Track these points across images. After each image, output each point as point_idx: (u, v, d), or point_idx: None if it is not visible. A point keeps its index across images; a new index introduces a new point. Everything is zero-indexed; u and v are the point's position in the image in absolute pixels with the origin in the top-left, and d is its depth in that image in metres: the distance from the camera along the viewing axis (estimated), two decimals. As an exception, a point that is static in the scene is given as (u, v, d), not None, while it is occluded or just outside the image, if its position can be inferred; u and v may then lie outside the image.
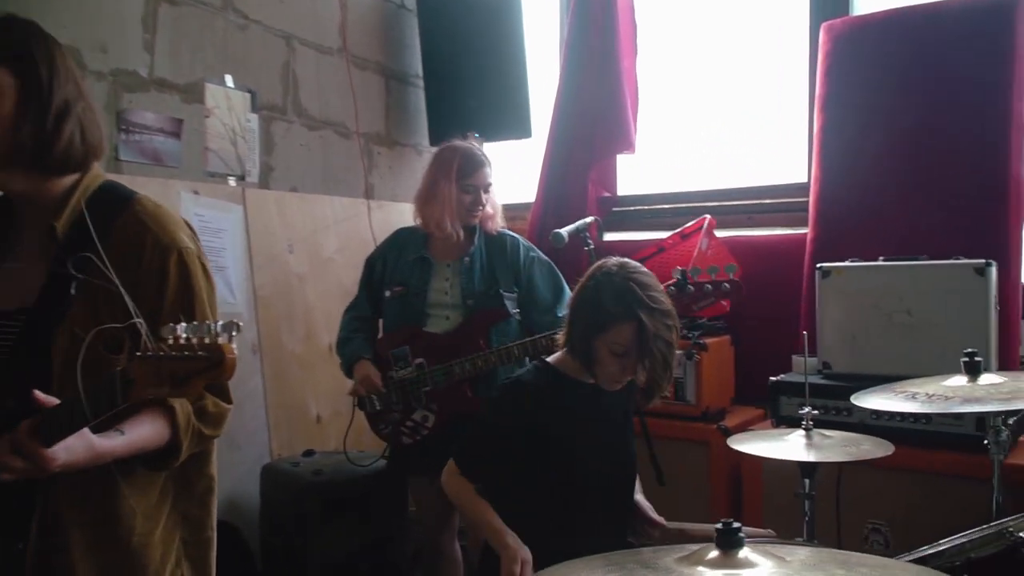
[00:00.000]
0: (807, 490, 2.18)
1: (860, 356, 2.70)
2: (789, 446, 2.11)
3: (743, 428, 2.96)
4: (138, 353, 1.16)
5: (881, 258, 2.72)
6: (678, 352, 2.94)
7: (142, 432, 1.40)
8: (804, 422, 2.17)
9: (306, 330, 3.47)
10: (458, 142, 2.86)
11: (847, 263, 2.75)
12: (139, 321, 1.22)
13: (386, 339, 2.86)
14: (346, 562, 2.84)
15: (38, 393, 1.28)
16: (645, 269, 1.95)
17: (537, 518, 2.00)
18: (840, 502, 2.38)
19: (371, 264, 2.96)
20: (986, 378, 1.82)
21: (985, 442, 1.88)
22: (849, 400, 2.61)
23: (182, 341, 1.14)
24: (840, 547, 2.40)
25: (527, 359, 2.71)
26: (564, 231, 2.72)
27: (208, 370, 1.12)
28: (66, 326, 1.40)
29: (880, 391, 1.97)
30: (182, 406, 1.44)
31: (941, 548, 1.43)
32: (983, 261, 2.50)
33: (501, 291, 2.74)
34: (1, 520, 1.40)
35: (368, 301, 2.93)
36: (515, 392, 2.01)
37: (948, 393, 1.75)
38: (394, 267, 2.87)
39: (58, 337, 1.40)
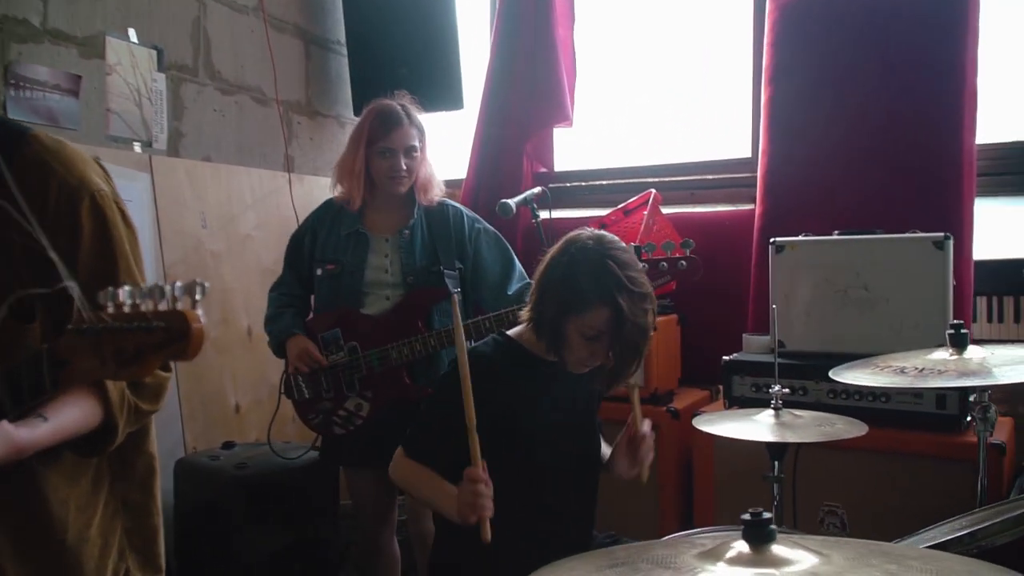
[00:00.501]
0: (776, 472, 2.07)
1: (816, 333, 2.61)
2: (760, 427, 1.99)
3: (692, 410, 2.85)
4: (70, 326, 0.91)
5: (836, 232, 2.64)
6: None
7: (70, 415, 1.17)
8: (773, 401, 2.06)
9: (222, 313, 3.18)
10: (378, 101, 2.57)
11: (801, 237, 2.66)
12: (71, 284, 0.93)
13: (315, 321, 2.61)
14: (271, 561, 2.59)
15: None
16: (623, 244, 1.77)
17: (497, 502, 1.82)
18: (796, 484, 2.30)
19: (298, 240, 2.69)
20: (972, 351, 1.73)
21: (968, 419, 1.80)
22: (806, 380, 2.56)
23: (127, 309, 0.88)
24: (796, 530, 2.33)
25: (470, 342, 2.51)
26: (512, 201, 2.54)
27: (168, 344, 0.86)
28: None
29: (860, 366, 1.87)
30: (114, 381, 1.21)
31: (963, 533, 1.32)
32: (942, 235, 2.44)
33: (442, 268, 2.52)
34: None
35: (296, 280, 2.67)
36: (471, 366, 1.82)
37: (939, 367, 1.65)
38: (325, 242, 2.61)
39: None
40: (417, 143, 2.53)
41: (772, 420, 2.01)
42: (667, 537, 1.34)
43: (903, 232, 2.56)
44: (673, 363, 3.08)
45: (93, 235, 1.23)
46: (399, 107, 2.53)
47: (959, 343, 1.73)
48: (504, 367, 1.81)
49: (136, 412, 1.28)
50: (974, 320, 2.83)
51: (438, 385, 1.87)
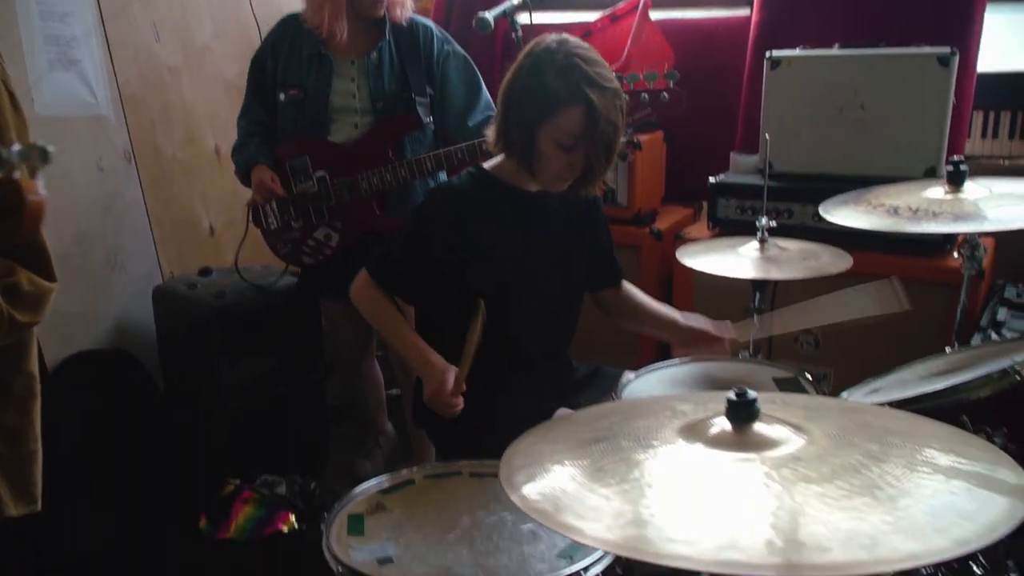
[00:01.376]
0: (756, 304, 2.06)
1: (806, 154, 2.53)
2: (745, 261, 1.96)
3: (676, 230, 2.82)
4: None
5: (836, 45, 2.48)
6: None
7: None
8: (760, 233, 2.01)
9: (186, 132, 3.01)
10: None
11: (799, 51, 2.50)
12: None
13: (283, 149, 2.47)
14: (255, 385, 2.63)
15: None
16: (587, 44, 1.63)
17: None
18: (775, 308, 2.30)
19: (259, 63, 2.49)
20: (970, 188, 1.66)
21: (956, 255, 1.76)
22: (791, 203, 2.51)
23: None
24: (770, 353, 2.36)
25: (443, 173, 2.41)
26: (489, 14, 2.32)
27: None
28: None
29: (850, 200, 1.80)
30: None
31: (938, 388, 1.32)
32: (947, 50, 2.29)
33: (413, 95, 2.36)
34: None
35: (261, 106, 2.50)
36: (444, 198, 1.74)
37: (934, 207, 1.59)
38: (287, 65, 2.41)
39: None
40: None
41: (757, 254, 1.97)
42: (650, 397, 1.33)
43: (909, 45, 2.40)
44: (657, 181, 3.00)
45: None
46: None
47: (956, 180, 1.66)
48: (479, 200, 1.73)
49: (11, 324, 1.17)
50: (968, 135, 2.74)
51: (414, 214, 1.80)
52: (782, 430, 0.99)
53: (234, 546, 2.08)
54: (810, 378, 1.77)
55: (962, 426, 1.23)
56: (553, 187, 1.70)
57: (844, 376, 2.43)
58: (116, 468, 2.39)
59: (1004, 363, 1.30)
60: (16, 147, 0.76)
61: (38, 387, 1.34)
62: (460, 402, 1.62)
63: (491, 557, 1.25)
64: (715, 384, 1.84)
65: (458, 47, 2.45)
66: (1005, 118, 2.70)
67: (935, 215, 1.55)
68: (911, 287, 2.26)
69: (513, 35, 2.42)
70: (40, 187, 0.76)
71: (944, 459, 0.92)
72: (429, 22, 2.45)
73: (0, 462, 1.28)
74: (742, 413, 0.98)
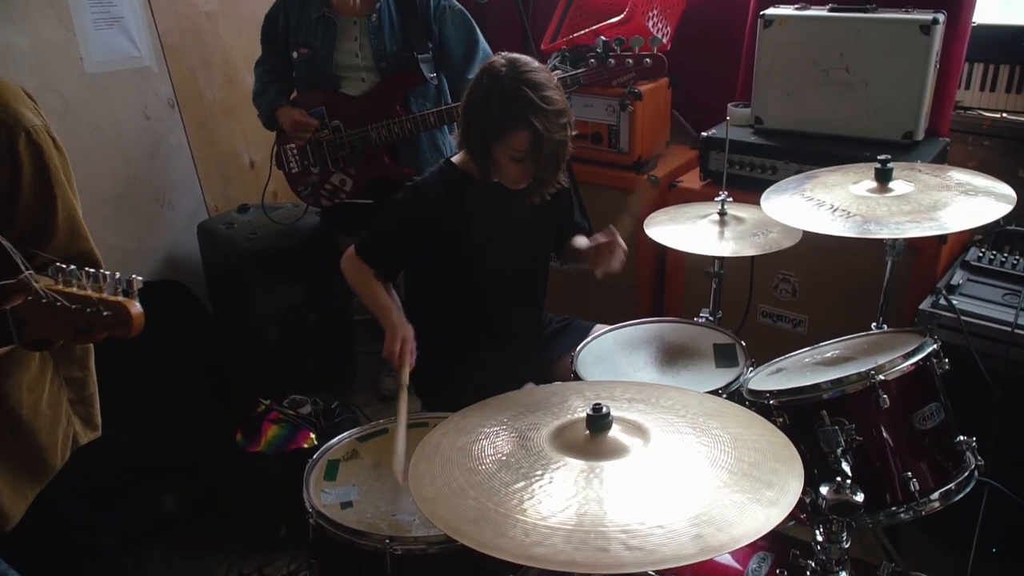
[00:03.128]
0: (716, 269, 2.26)
1: (793, 112, 2.63)
2: (701, 234, 2.14)
3: (674, 176, 2.98)
4: (30, 298, 1.12)
5: (828, 7, 2.54)
6: (612, 101, 2.87)
7: None
8: (720, 208, 2.18)
9: (225, 74, 3.26)
10: None
11: (792, 11, 2.57)
12: (11, 250, 1.16)
13: (302, 98, 2.72)
14: (287, 312, 2.98)
15: None
16: (536, 64, 1.82)
17: (452, 314, 2.10)
18: (755, 260, 2.47)
19: (272, 20, 2.71)
20: (897, 186, 1.81)
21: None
22: (776, 160, 2.64)
23: (75, 289, 1.11)
24: (749, 299, 2.55)
25: (445, 127, 2.62)
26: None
27: (113, 327, 1.12)
28: None
29: (790, 188, 1.97)
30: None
31: (805, 384, 1.54)
32: (930, 17, 2.34)
33: (415, 53, 2.54)
34: None
35: (276, 58, 2.73)
36: (416, 196, 1.99)
37: (852, 208, 1.75)
38: (297, 25, 2.63)
39: None
40: None
41: (716, 228, 2.15)
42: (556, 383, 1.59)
43: (902, 6, 2.45)
44: (661, 126, 3.13)
45: (33, 169, 1.35)
46: None
47: (883, 178, 1.81)
48: (448, 195, 1.97)
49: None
50: (967, 87, 2.78)
51: (391, 207, 2.03)
52: (629, 439, 1.25)
53: (263, 459, 2.47)
54: (744, 345, 1.99)
55: (820, 420, 1.46)
56: (512, 187, 1.93)
57: (818, 322, 2.65)
58: (170, 387, 2.79)
59: (870, 363, 1.51)
60: (117, 274, 1.12)
61: (92, 346, 1.66)
62: (409, 362, 1.88)
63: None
64: (663, 345, 2.08)
65: (456, 2, 2.60)
66: (1004, 71, 2.72)
67: (849, 216, 1.71)
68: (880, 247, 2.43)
69: (512, -1, 2.56)
70: (137, 305, 1.13)
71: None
72: None
73: (72, 405, 1.65)
74: (598, 423, 1.24)
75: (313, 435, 2.53)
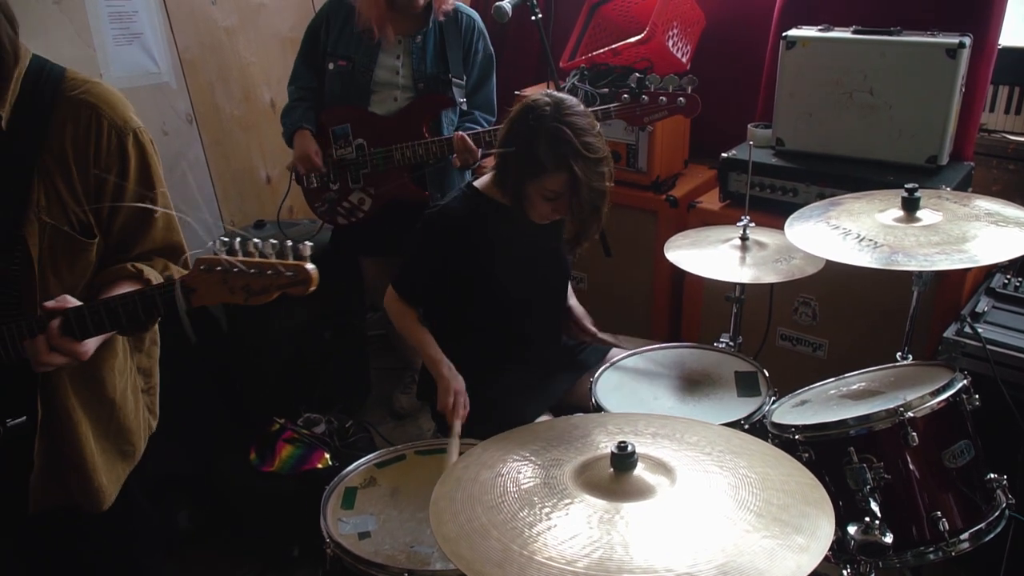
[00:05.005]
0: (737, 295, 2.24)
1: (815, 134, 2.60)
2: (722, 259, 2.12)
3: (693, 196, 2.95)
4: (219, 268, 1.27)
5: (852, 29, 2.51)
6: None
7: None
8: (742, 232, 2.16)
9: (243, 90, 3.26)
10: None
11: (815, 33, 2.54)
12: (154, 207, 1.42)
13: (328, 114, 2.71)
14: (302, 329, 2.97)
15: (49, 304, 1.34)
16: (581, 108, 1.81)
17: (475, 333, 2.08)
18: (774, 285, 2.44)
19: (314, 31, 2.72)
20: (924, 215, 1.78)
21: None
22: (797, 182, 2.61)
23: (257, 257, 1.27)
24: (768, 322, 2.51)
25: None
26: (506, 3, 2.46)
27: (292, 285, 1.27)
28: (34, 214, 1.41)
29: (814, 215, 1.94)
30: (154, 276, 1.49)
31: (831, 420, 1.51)
32: (956, 41, 2.32)
33: (451, 76, 2.56)
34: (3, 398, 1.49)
35: (310, 74, 2.74)
36: (439, 223, 1.97)
37: (879, 238, 1.72)
38: (338, 37, 2.64)
39: (28, 226, 1.40)
40: None
41: (738, 253, 2.13)
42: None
43: (929, 29, 2.43)
44: (680, 146, 3.11)
45: (138, 164, 1.46)
46: None
47: (910, 207, 1.78)
48: (473, 222, 1.96)
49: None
50: (991, 110, 2.75)
51: (417, 235, 2.02)
52: (656, 479, 1.22)
53: (277, 478, 2.45)
54: (767, 375, 1.97)
55: (847, 457, 1.43)
56: (539, 221, 1.93)
57: (839, 347, 2.62)
58: (184, 404, 2.78)
59: (898, 399, 1.49)
60: (289, 243, 1.28)
61: (158, 336, 1.74)
62: (462, 415, 1.88)
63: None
64: (684, 371, 2.06)
65: (490, 46, 2.67)
66: (1029, 94, 2.70)
67: (876, 247, 1.68)
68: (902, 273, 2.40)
69: (532, 19, 2.55)
70: (312, 265, 1.29)
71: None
72: (475, 14, 2.65)
73: (143, 395, 1.70)
74: (623, 462, 1.22)
75: (327, 455, 2.52)
